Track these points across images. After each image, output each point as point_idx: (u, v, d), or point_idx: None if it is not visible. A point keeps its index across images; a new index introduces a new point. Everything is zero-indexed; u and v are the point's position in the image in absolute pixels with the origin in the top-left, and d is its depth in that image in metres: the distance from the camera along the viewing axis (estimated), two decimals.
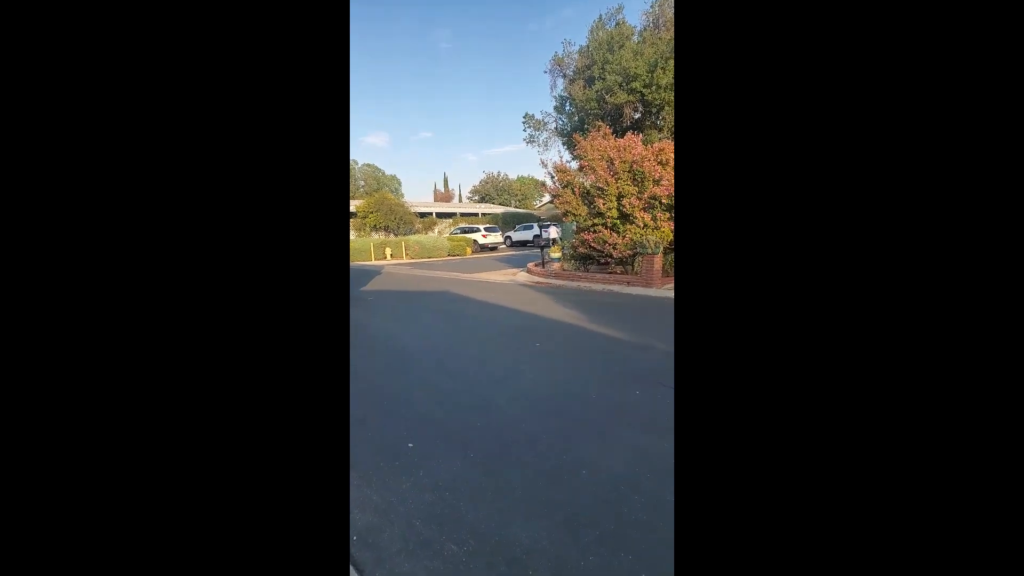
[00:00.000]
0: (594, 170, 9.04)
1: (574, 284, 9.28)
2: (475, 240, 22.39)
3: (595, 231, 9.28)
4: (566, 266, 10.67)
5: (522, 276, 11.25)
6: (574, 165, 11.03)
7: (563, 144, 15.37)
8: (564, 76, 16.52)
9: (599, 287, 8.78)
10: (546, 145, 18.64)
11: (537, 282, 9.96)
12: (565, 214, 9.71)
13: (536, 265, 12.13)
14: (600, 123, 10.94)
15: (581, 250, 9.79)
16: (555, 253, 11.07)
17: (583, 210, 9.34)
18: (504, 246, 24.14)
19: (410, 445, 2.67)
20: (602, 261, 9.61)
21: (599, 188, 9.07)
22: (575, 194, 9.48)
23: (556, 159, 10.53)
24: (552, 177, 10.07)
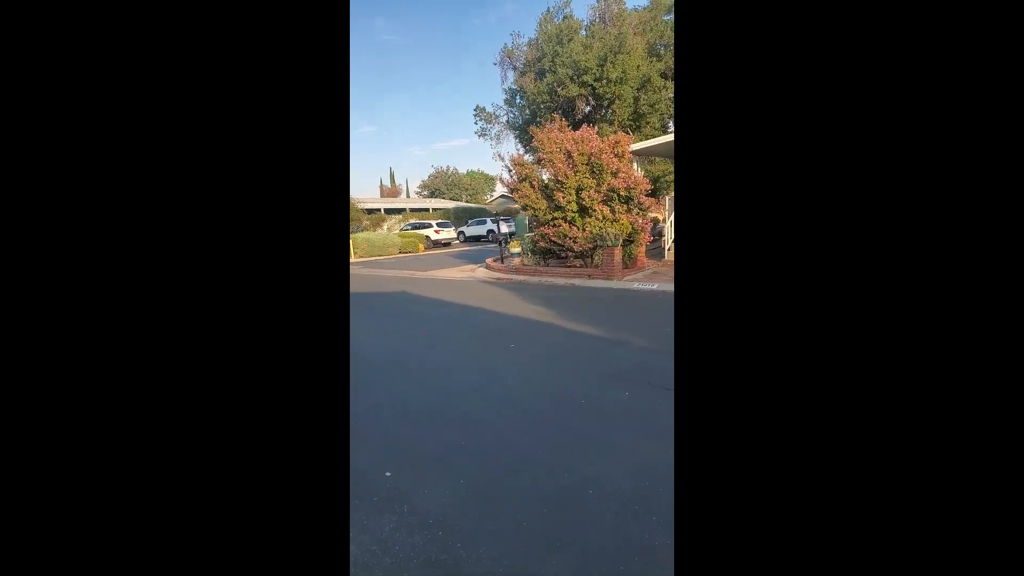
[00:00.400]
0: (553, 163, 8.86)
1: (536, 279, 9.09)
2: (427, 236, 21.73)
3: (555, 225, 9.12)
4: (526, 261, 10.46)
5: (481, 272, 10.94)
6: (529, 158, 10.82)
7: (515, 137, 15.11)
8: (514, 68, 16.22)
9: (561, 281, 8.65)
10: (498, 138, 18.31)
11: (498, 278, 9.69)
12: (524, 208, 9.48)
13: (495, 260, 11.85)
14: (555, 115, 10.78)
15: (541, 244, 9.61)
16: (515, 248, 10.83)
17: (542, 204, 9.15)
18: (457, 241, 23.64)
19: (388, 474, 2.34)
20: (562, 255, 9.49)
21: (558, 181, 8.90)
22: (534, 187, 9.27)
23: (512, 152, 10.25)
24: (509, 170, 9.79)
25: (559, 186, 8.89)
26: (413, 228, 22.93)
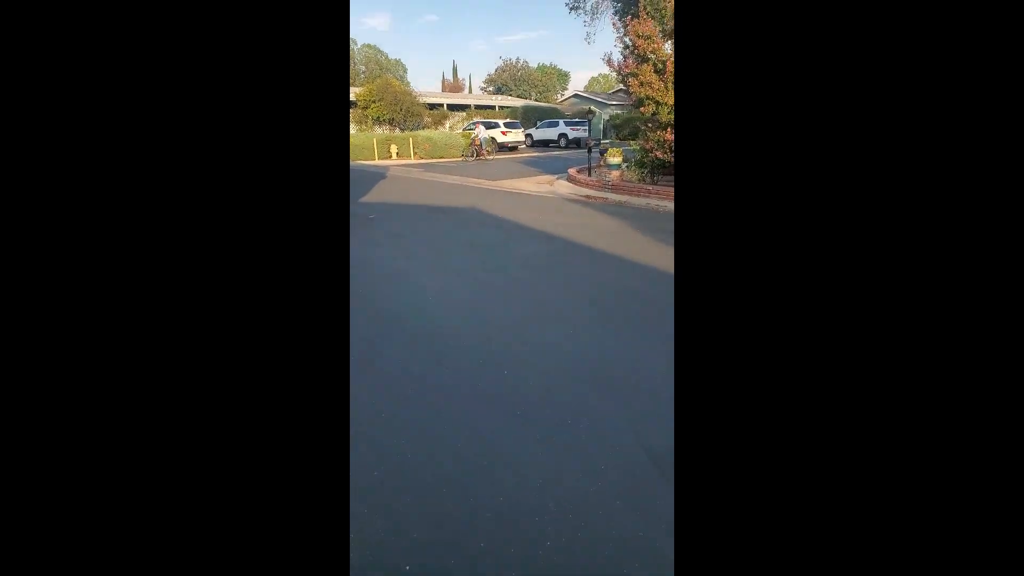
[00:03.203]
0: None
1: (642, 201, 6.80)
2: (493, 138, 19.10)
3: None
4: (628, 175, 8.05)
5: (563, 187, 8.71)
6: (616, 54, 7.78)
7: (616, 14, 11.47)
8: None
9: None
10: (594, 14, 14.40)
11: (589, 196, 7.47)
12: (640, 102, 6.86)
13: (580, 172, 9.48)
14: None
15: (657, 155, 7.10)
16: (614, 158, 8.34)
17: (671, 97, 6.50)
18: (525, 146, 20.85)
19: None
20: None
21: None
22: (661, 74, 6.53)
23: (608, 35, 7.30)
24: (629, 46, 6.95)
25: None
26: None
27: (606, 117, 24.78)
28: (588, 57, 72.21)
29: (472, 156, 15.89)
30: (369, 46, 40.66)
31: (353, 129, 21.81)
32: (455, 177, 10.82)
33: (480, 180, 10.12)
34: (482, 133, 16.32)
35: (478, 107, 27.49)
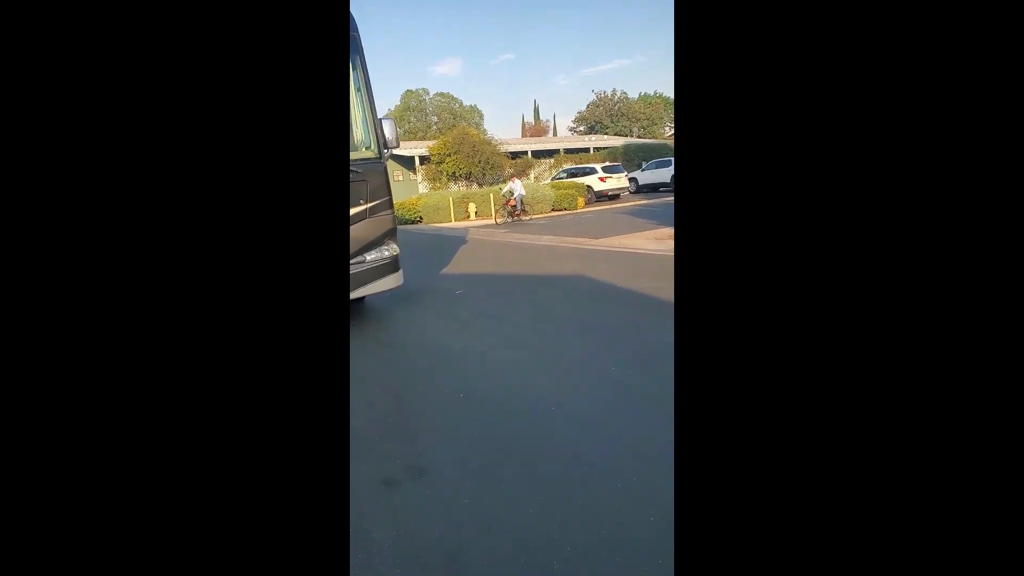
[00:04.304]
0: None
1: None
2: (589, 186, 19.14)
3: None
4: None
5: None
6: None
7: None
8: None
9: None
10: None
11: None
12: None
13: None
14: None
15: None
16: None
17: None
18: (628, 192, 20.63)
19: None
20: None
21: None
22: None
23: None
24: None
25: None
26: (569, 176, 20.49)
27: None
28: None
29: (507, 218, 14.23)
30: (442, 94, 44.29)
31: (425, 188, 23.21)
32: (548, 237, 10.49)
33: (580, 239, 9.68)
34: (517, 189, 14.34)
35: (568, 151, 27.96)
